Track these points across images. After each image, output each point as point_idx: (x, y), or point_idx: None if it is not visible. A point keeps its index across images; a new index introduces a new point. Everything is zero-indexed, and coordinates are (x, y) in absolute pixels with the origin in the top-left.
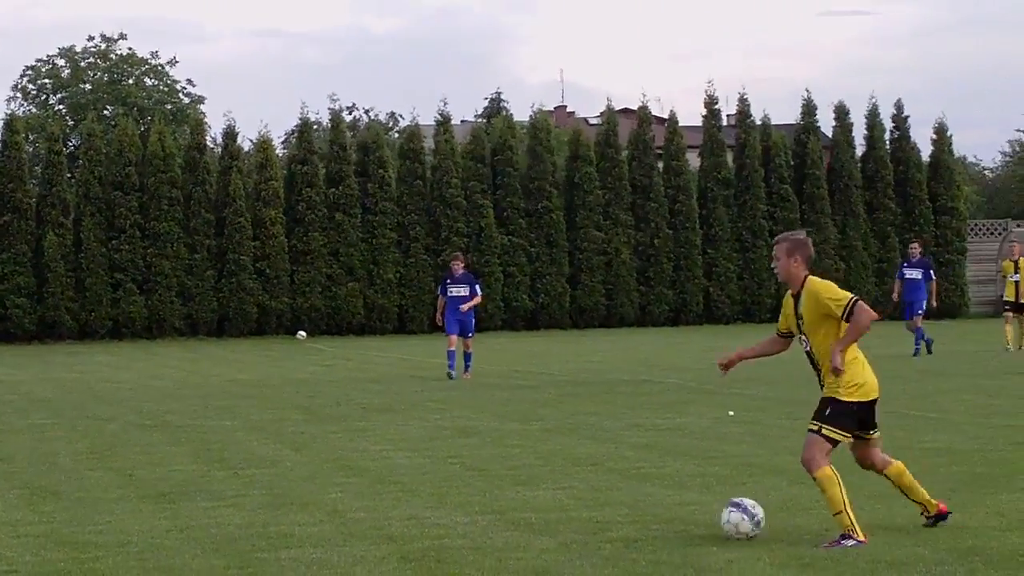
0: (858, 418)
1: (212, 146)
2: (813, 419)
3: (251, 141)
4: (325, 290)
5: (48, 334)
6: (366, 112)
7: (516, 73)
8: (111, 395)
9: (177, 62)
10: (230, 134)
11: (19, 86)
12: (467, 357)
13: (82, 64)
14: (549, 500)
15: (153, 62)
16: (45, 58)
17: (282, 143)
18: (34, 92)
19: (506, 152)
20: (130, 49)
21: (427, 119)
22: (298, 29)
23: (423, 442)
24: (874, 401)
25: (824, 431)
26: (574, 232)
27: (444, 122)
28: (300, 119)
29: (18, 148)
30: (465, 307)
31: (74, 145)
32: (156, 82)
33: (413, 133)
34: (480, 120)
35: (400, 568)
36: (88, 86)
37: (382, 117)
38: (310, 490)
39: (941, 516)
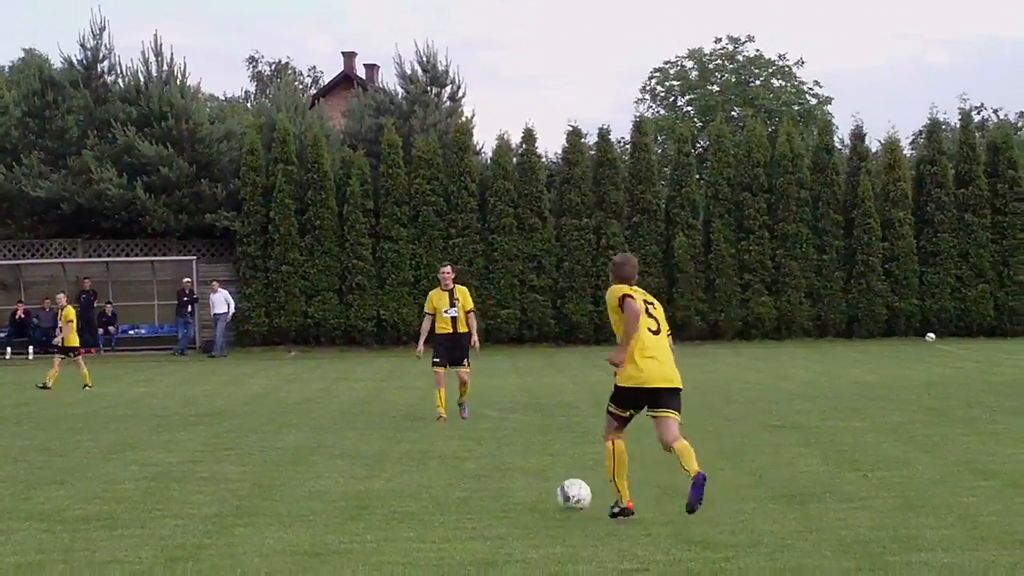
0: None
1: (840, 147)
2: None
3: (879, 142)
4: (955, 291)
5: (677, 334)
6: (994, 112)
7: None
8: (741, 395)
9: (804, 63)
10: (858, 135)
11: (647, 88)
12: None
13: (710, 66)
14: None
15: (780, 63)
16: (673, 59)
17: (909, 144)
18: (662, 94)
19: None
20: (757, 51)
21: None
22: (931, 34)
23: None
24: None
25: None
26: None
27: None
28: (929, 119)
29: (647, 150)
30: None
31: (702, 146)
32: (783, 83)
33: None
34: None
35: None
36: (716, 88)
37: (1011, 117)
38: (940, 493)
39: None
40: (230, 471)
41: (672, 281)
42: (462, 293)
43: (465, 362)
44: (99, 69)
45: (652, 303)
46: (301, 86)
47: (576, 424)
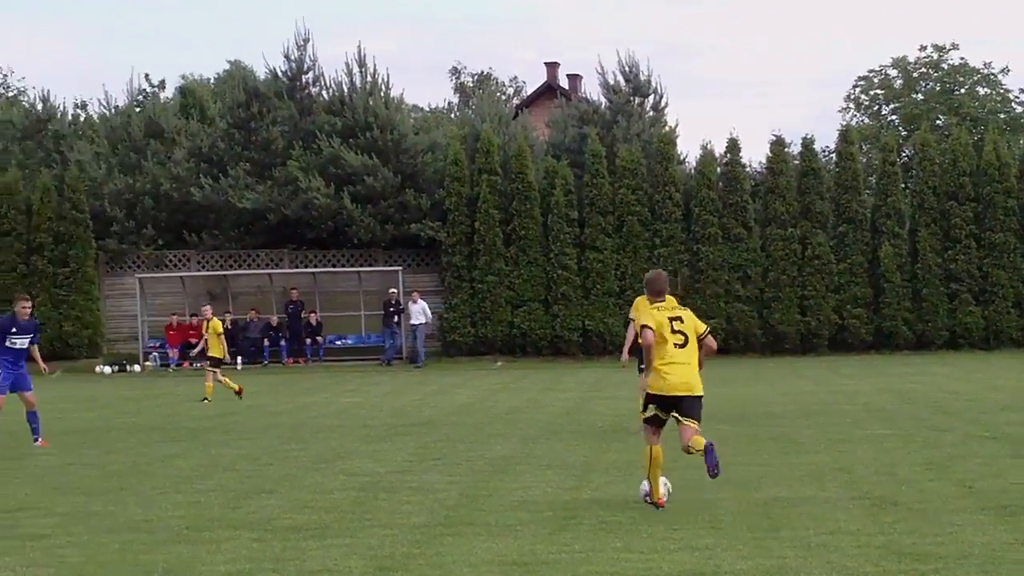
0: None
1: None
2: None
3: None
4: None
5: (884, 344)
6: None
7: None
8: (949, 406)
9: (1009, 71)
10: None
11: (852, 97)
12: None
13: (914, 75)
14: None
15: (985, 71)
16: (877, 68)
17: None
18: (867, 103)
19: None
20: (962, 59)
21: None
22: None
23: None
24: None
25: None
26: None
27: None
28: None
29: (852, 159)
30: None
31: (907, 155)
32: (989, 91)
33: None
34: None
35: None
36: (920, 96)
37: None
38: None
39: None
40: (438, 481)
41: (878, 291)
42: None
43: None
44: (303, 80)
45: (679, 317)
46: (504, 97)
47: (784, 435)
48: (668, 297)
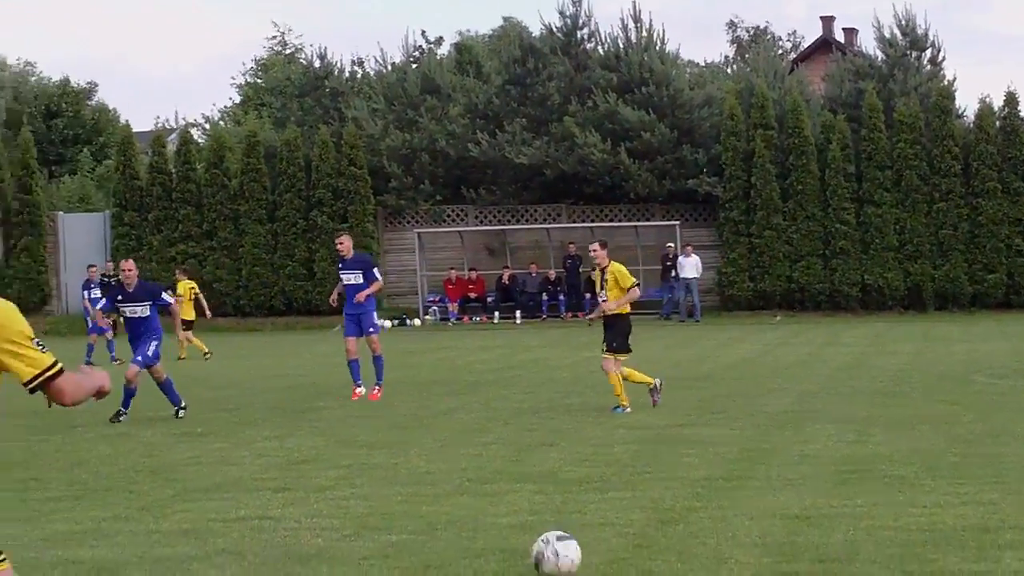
0: None
1: None
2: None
3: None
4: None
5: None
6: None
7: None
8: None
9: None
10: None
11: None
12: None
13: None
14: None
15: None
16: None
17: None
18: None
19: None
20: None
21: None
22: None
23: None
24: None
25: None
26: None
27: None
28: None
29: None
30: None
31: None
32: None
33: None
34: None
35: None
36: None
37: None
38: None
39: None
40: (718, 435)
41: None
42: (615, 273)
43: (613, 344)
44: (578, 36)
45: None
46: (780, 51)
47: None
48: None
